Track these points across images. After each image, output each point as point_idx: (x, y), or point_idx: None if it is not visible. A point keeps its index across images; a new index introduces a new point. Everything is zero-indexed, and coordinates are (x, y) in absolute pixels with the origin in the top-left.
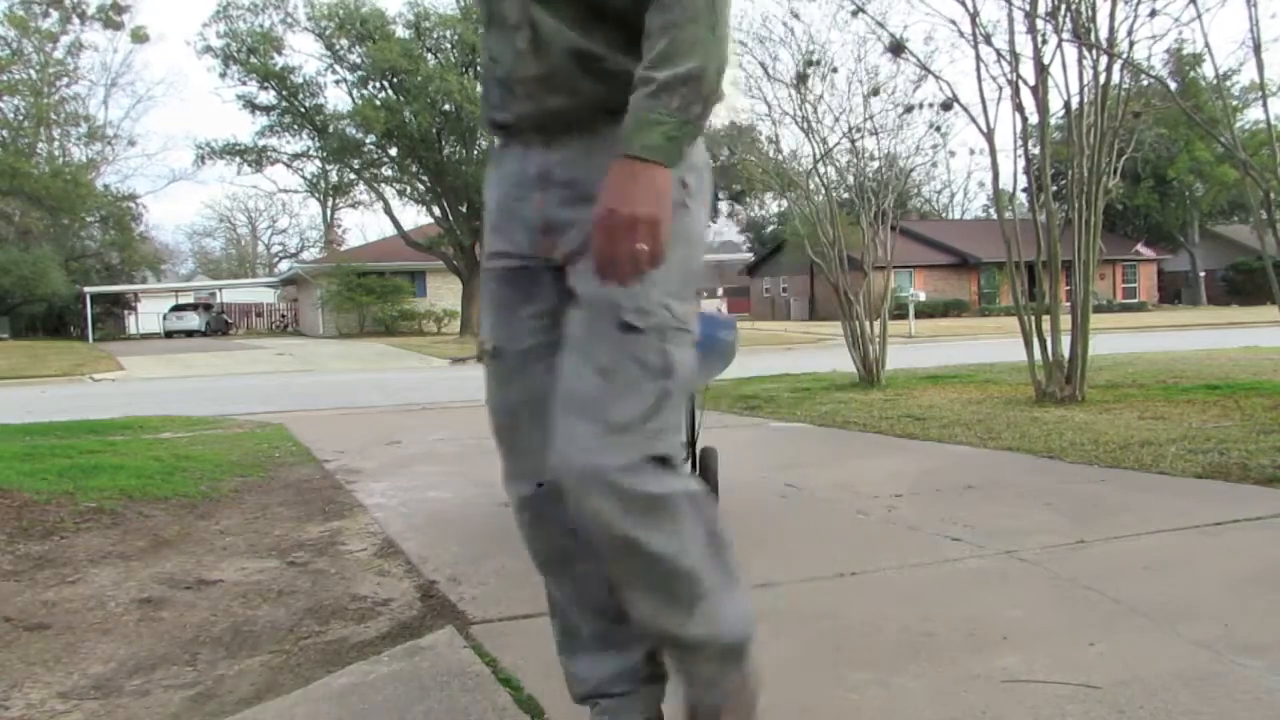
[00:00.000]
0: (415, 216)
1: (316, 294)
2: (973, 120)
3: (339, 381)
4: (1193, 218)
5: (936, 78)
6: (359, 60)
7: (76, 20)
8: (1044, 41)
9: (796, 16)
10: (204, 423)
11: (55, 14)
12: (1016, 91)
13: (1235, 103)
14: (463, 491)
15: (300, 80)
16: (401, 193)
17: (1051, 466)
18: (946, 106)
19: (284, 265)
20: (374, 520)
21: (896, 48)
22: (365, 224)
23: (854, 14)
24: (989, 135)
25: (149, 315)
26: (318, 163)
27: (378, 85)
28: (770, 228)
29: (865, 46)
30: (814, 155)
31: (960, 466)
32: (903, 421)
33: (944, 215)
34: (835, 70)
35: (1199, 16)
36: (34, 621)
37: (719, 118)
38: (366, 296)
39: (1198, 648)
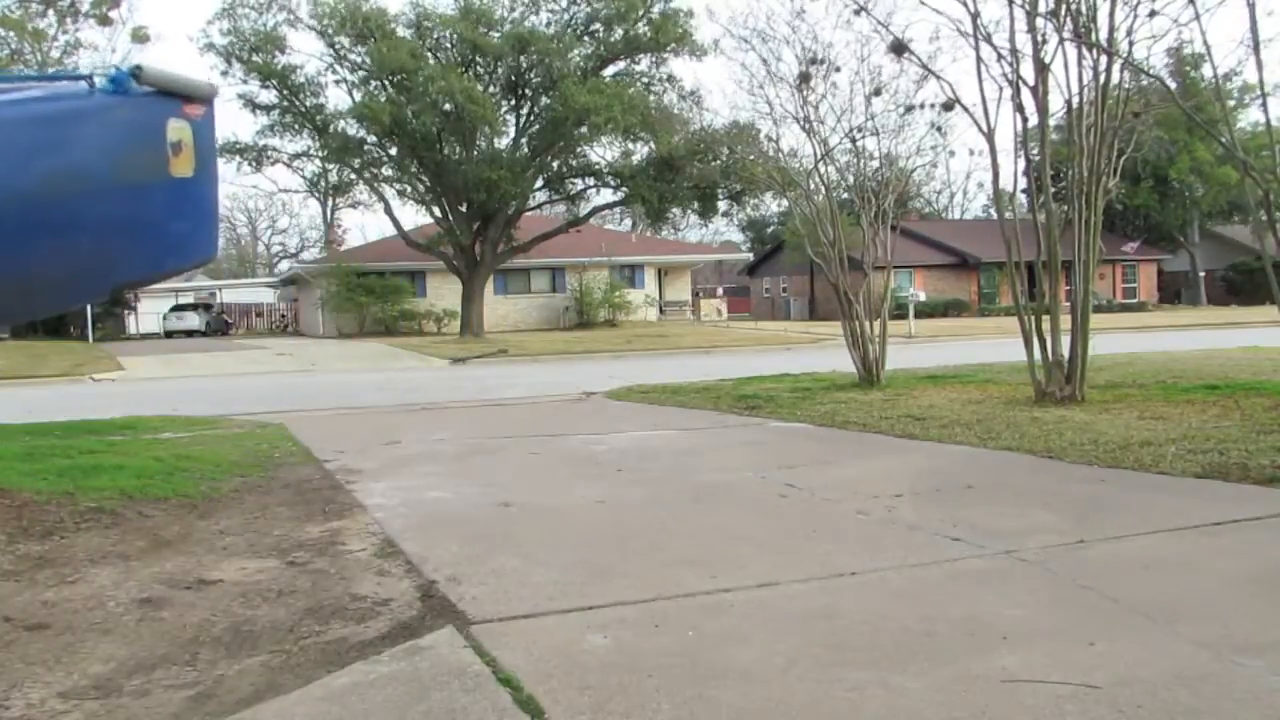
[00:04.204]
0: (415, 216)
1: (316, 294)
2: (974, 120)
3: (339, 381)
4: (1193, 218)
5: (938, 77)
6: (360, 60)
7: (70, 20)
8: (1044, 41)
9: (802, 14)
10: (204, 423)
11: (52, 14)
12: (1017, 91)
13: (1234, 104)
14: (462, 491)
15: (301, 80)
16: (401, 193)
17: (1051, 466)
18: (948, 107)
19: (284, 265)
20: (374, 520)
21: (898, 47)
22: (365, 224)
23: (856, 13)
24: (989, 135)
25: (149, 315)
26: (318, 162)
27: (379, 85)
28: (770, 228)
29: (868, 46)
30: (815, 155)
31: (960, 466)
32: (903, 421)
33: (944, 215)
34: (838, 70)
35: (1198, 17)
36: (34, 621)
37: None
38: (366, 297)
39: (1198, 648)
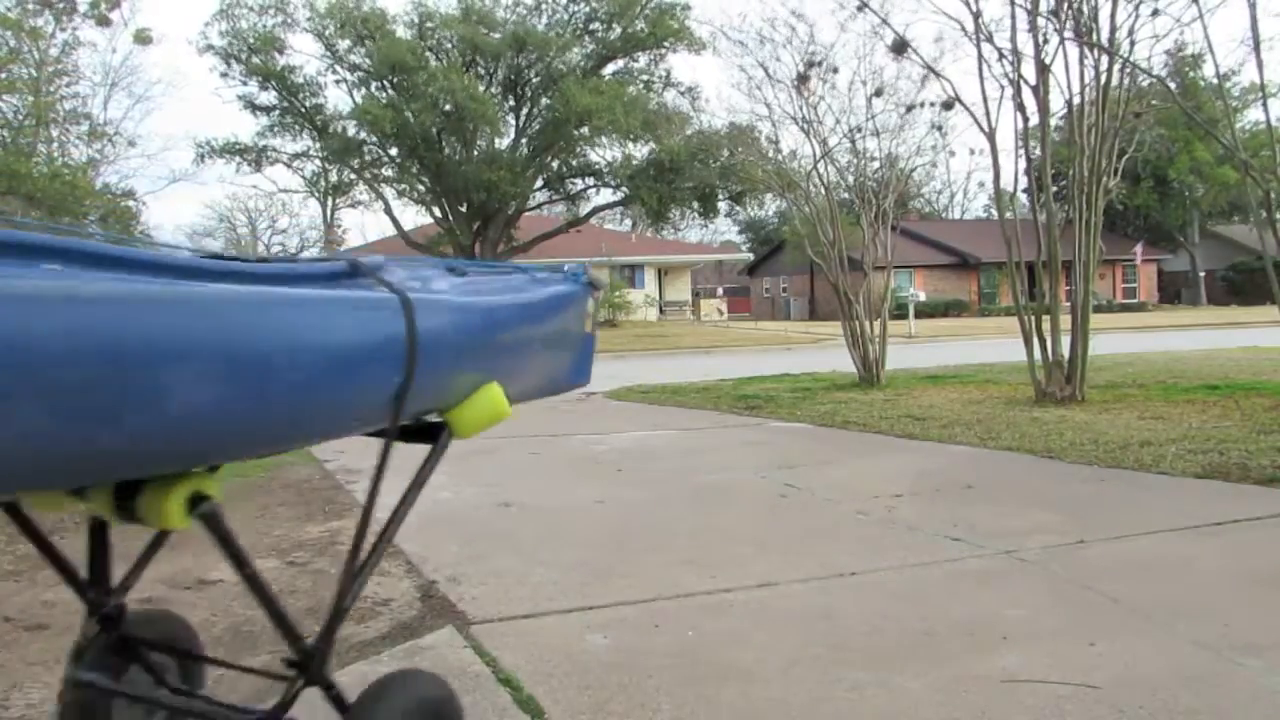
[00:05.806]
0: (415, 216)
1: None
2: (975, 120)
3: None
4: (1193, 218)
5: (938, 76)
6: (360, 60)
7: (67, 18)
8: (1045, 41)
9: (799, 16)
10: None
11: (49, 14)
12: (1018, 91)
13: (1235, 103)
14: (462, 491)
15: (301, 80)
16: (401, 193)
17: (1051, 466)
18: (949, 106)
19: None
20: (374, 520)
21: (900, 46)
22: (365, 224)
23: (859, 9)
24: (991, 134)
25: None
26: (317, 163)
27: (379, 85)
28: (767, 228)
29: (868, 46)
30: (814, 156)
31: (960, 466)
32: (903, 421)
33: (944, 215)
34: (836, 71)
35: (1200, 16)
36: (34, 621)
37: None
38: None
39: (1198, 648)
